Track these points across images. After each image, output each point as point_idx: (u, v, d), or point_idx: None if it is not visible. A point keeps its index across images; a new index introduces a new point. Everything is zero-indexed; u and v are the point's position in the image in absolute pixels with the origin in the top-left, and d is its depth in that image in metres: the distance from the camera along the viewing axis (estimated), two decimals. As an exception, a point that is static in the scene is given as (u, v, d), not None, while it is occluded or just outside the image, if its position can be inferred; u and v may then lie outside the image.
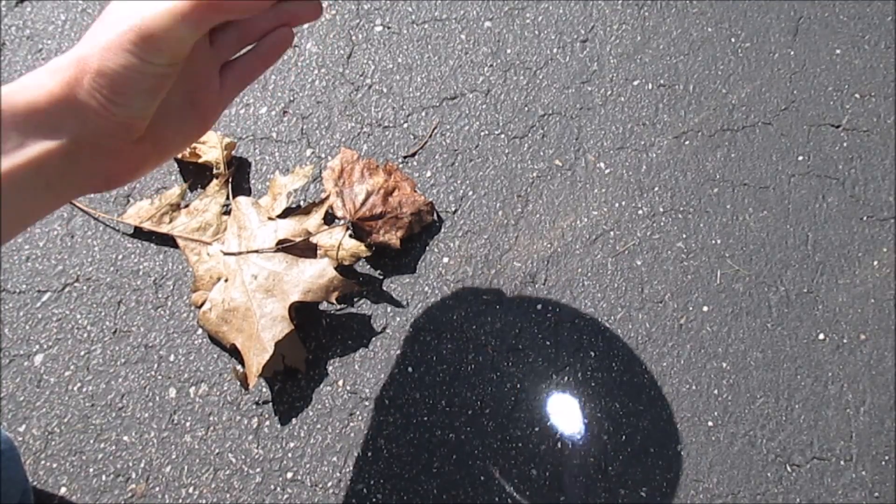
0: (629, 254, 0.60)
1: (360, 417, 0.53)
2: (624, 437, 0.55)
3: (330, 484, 0.51)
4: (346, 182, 0.57)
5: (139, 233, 0.57)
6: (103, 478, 0.51)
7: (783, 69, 0.68)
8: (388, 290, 0.57)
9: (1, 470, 0.41)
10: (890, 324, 0.60)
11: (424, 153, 0.62)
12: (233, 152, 0.60)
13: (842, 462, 0.55)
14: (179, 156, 0.58)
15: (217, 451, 0.52)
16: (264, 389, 0.54)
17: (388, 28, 0.66)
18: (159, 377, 0.53)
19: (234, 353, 0.54)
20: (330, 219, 0.57)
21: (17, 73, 0.62)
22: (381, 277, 0.58)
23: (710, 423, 0.56)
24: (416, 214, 0.57)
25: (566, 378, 0.56)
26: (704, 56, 0.68)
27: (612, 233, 0.61)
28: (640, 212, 0.62)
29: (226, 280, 0.53)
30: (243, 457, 0.52)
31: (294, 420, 0.53)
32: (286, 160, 0.61)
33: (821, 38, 0.70)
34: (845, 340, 0.59)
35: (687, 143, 0.65)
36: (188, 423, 0.52)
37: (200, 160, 0.58)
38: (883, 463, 0.55)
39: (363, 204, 0.56)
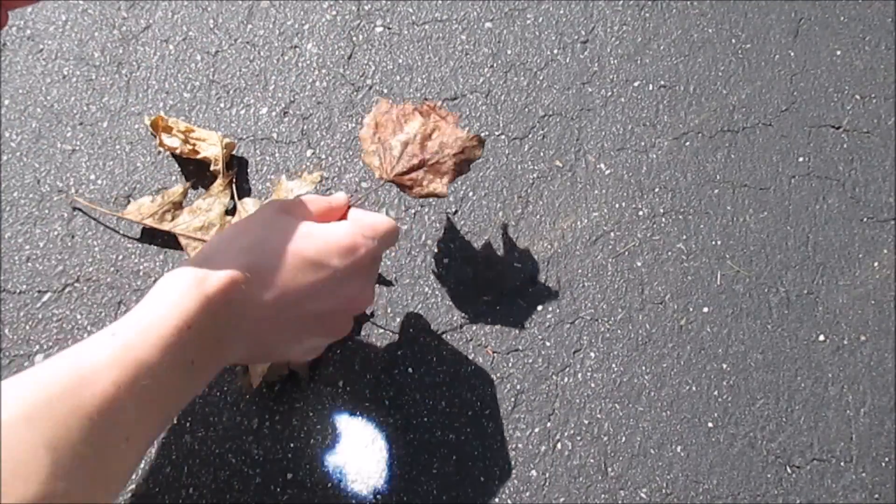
0: (629, 255, 0.60)
1: (360, 418, 0.53)
2: (624, 438, 0.55)
3: (330, 484, 0.51)
4: (382, 136, 0.51)
5: (142, 235, 0.57)
6: (103, 478, 0.51)
7: (784, 70, 0.69)
8: (388, 290, 0.57)
9: None
10: (890, 325, 0.60)
11: (425, 154, 0.62)
12: (233, 152, 0.60)
13: (842, 463, 0.55)
14: (178, 153, 0.58)
15: (217, 451, 0.52)
16: (264, 390, 0.54)
17: (389, 29, 0.66)
18: (159, 377, 0.53)
19: (235, 353, 0.54)
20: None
21: (17, 74, 0.62)
22: (381, 277, 0.58)
23: (710, 425, 0.56)
24: (461, 153, 0.50)
25: (566, 379, 0.56)
26: (705, 57, 0.68)
27: (612, 234, 0.61)
28: (641, 213, 0.62)
29: (226, 280, 0.53)
30: (243, 457, 0.52)
31: (294, 421, 0.53)
32: (286, 161, 0.61)
33: (821, 39, 0.70)
34: (845, 342, 0.59)
35: (687, 144, 0.65)
36: (188, 424, 0.52)
37: (199, 156, 0.57)
38: (883, 464, 0.55)
39: (399, 158, 0.50)
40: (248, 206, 0.55)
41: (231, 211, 0.57)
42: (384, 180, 0.50)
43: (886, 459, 0.55)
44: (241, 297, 0.35)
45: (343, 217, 0.46)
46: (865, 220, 0.63)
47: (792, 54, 0.69)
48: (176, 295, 0.33)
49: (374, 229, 0.42)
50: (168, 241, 0.57)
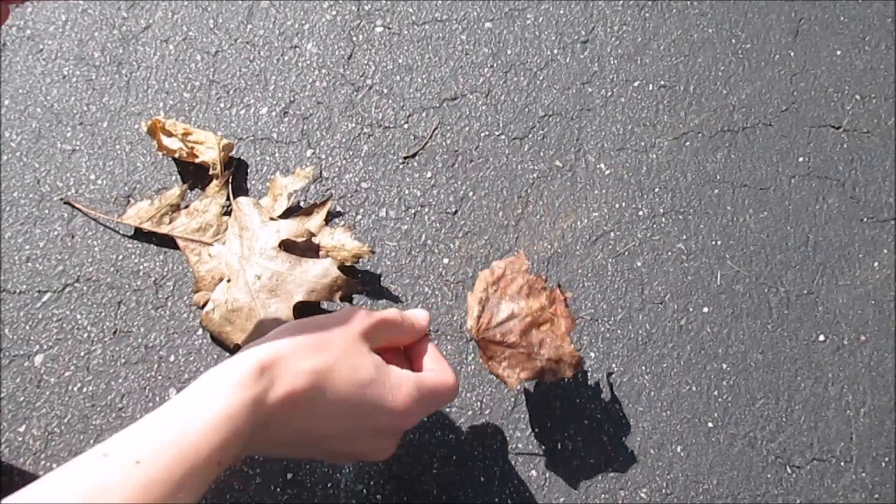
0: (629, 255, 0.61)
1: (360, 418, 0.53)
2: (624, 438, 0.55)
3: (330, 485, 0.51)
4: (500, 292, 0.48)
5: (139, 234, 0.57)
6: (103, 478, 0.51)
7: (784, 70, 0.69)
8: (388, 290, 0.57)
9: None
10: (890, 325, 0.60)
11: (425, 154, 0.62)
12: (233, 153, 0.60)
13: (842, 463, 0.55)
14: (177, 156, 0.58)
15: (217, 451, 0.52)
16: (264, 390, 0.54)
17: (389, 29, 0.66)
18: (159, 378, 0.53)
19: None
20: (329, 217, 0.57)
21: (17, 74, 0.62)
22: (381, 277, 0.58)
23: (710, 425, 0.56)
24: (555, 362, 0.47)
25: (566, 379, 0.56)
26: (705, 57, 0.68)
27: (612, 234, 0.61)
28: (641, 213, 0.62)
29: (228, 280, 0.53)
30: (243, 457, 0.52)
31: (294, 421, 0.53)
32: (286, 161, 0.61)
33: (821, 39, 0.70)
34: (845, 342, 0.59)
35: (687, 144, 0.65)
36: (188, 424, 0.52)
37: (197, 160, 0.57)
38: (883, 464, 0.55)
39: (499, 325, 0.47)
40: (242, 205, 0.55)
41: (228, 212, 0.57)
42: (470, 336, 0.48)
43: (886, 459, 0.55)
44: (280, 419, 0.34)
45: (421, 344, 0.45)
46: (865, 220, 0.63)
47: (792, 54, 0.69)
48: (224, 414, 0.31)
49: (434, 399, 0.41)
50: (167, 239, 0.57)
